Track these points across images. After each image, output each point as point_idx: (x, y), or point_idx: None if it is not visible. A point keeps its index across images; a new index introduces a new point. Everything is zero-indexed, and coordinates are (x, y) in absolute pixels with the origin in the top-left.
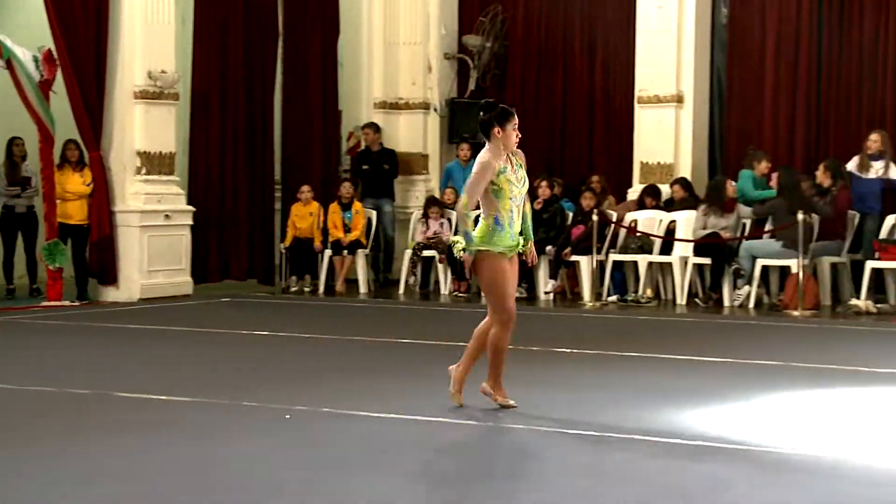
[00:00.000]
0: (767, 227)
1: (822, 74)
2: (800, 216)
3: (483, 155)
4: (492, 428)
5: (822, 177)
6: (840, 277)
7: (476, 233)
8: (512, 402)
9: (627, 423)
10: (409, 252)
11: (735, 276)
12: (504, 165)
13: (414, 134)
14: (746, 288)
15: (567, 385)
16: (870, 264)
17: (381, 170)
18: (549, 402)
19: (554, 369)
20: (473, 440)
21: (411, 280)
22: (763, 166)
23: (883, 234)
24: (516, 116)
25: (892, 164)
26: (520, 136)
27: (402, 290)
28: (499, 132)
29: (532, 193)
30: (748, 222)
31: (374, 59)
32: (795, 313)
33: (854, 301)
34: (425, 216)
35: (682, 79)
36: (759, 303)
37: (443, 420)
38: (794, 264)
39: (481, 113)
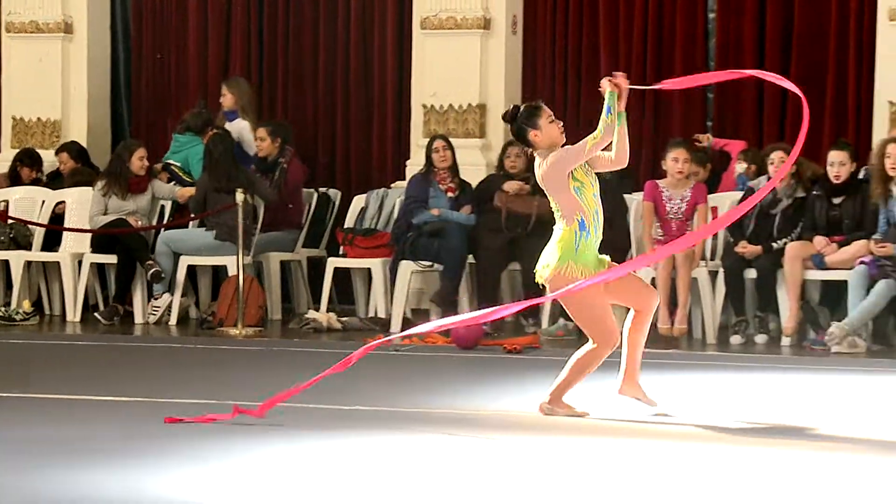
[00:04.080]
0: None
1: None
2: (238, 197)
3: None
4: None
5: (266, 146)
6: (294, 281)
7: (559, 248)
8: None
9: None
10: None
11: (152, 280)
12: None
13: None
14: (167, 296)
15: None
16: (333, 263)
17: None
18: None
19: None
20: None
21: None
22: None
23: (350, 221)
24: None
25: None
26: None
27: None
28: (536, 134)
29: None
30: (168, 205)
31: None
32: (234, 331)
33: (314, 314)
34: None
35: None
36: (184, 317)
37: None
38: (232, 263)
39: (510, 124)
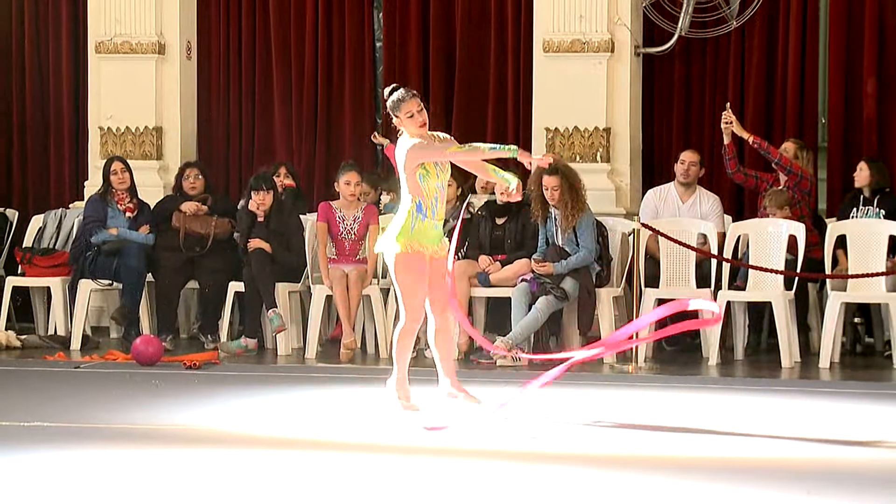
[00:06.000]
0: None
1: None
2: None
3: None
4: None
5: None
6: None
7: (398, 227)
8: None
9: None
10: None
11: None
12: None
13: None
14: None
15: None
16: (11, 281)
17: None
18: None
19: None
20: None
21: None
22: None
23: (28, 240)
24: (403, 96)
25: None
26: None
27: None
28: (399, 123)
29: None
30: None
31: None
32: None
33: None
34: None
35: None
36: None
37: None
38: None
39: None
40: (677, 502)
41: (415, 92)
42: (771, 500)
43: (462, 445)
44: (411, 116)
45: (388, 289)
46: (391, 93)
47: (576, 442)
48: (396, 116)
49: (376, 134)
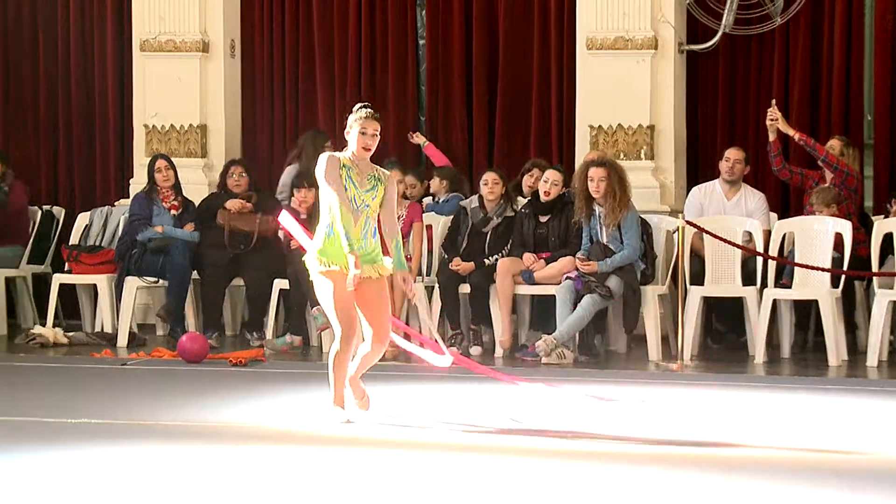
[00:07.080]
0: None
1: None
2: None
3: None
4: None
5: None
6: (19, 297)
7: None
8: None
9: None
10: None
11: None
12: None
13: None
14: None
15: None
16: (58, 279)
17: None
18: None
19: None
20: None
21: None
22: None
23: (74, 238)
24: (367, 114)
25: None
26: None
27: None
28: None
29: None
30: None
31: None
32: None
33: (40, 329)
34: None
35: None
36: None
37: None
38: None
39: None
40: (725, 500)
41: (378, 116)
42: (819, 498)
43: (505, 443)
44: (363, 133)
45: (433, 286)
46: (360, 108)
47: (620, 440)
48: (352, 125)
49: (416, 133)
